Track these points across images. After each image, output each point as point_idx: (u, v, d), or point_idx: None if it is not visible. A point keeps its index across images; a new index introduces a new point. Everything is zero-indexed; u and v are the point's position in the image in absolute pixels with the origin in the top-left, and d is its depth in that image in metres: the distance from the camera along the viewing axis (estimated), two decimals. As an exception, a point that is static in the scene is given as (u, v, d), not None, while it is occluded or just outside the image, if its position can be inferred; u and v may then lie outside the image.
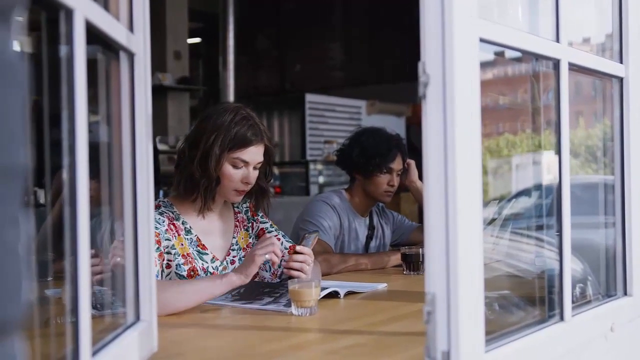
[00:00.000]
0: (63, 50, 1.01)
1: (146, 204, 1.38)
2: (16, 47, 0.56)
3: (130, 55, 1.34)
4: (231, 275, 1.99)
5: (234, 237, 2.35)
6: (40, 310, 1.29)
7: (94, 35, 1.11)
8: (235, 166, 2.19)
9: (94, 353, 1.09)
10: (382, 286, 2.36)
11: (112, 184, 1.37)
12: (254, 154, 2.21)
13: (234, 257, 2.32)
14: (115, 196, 1.38)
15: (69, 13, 0.99)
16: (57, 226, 1.18)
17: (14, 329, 0.55)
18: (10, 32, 0.54)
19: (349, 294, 2.19)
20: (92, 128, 1.10)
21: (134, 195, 1.36)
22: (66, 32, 1.00)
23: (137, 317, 1.37)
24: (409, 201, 6.43)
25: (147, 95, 1.38)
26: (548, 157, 1.85)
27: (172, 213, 2.22)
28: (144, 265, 1.38)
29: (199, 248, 2.23)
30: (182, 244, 2.18)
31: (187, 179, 2.20)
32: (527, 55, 1.59)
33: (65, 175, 1.01)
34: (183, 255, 2.17)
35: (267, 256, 1.98)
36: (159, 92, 7.16)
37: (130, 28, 1.34)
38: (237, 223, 2.38)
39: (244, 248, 2.36)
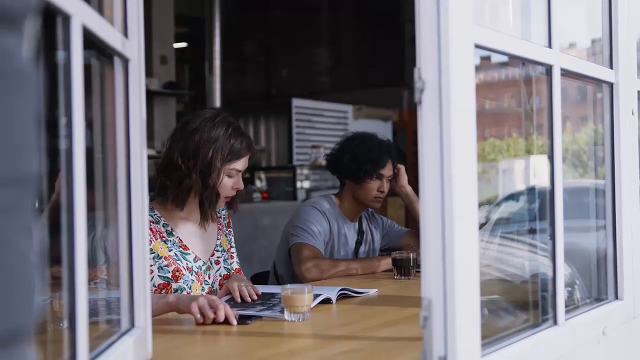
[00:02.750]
0: (60, 55, 1.01)
1: (140, 210, 1.38)
2: (28, 54, 0.56)
3: (125, 61, 1.33)
4: (172, 300, 1.93)
5: (218, 239, 2.42)
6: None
7: (89, 41, 1.11)
8: (229, 176, 2.28)
9: (91, 360, 1.08)
10: (373, 291, 2.36)
11: (106, 190, 1.37)
12: (245, 162, 2.32)
13: (218, 257, 2.39)
14: (108, 202, 1.37)
15: (67, 19, 0.99)
16: (48, 231, 1.18)
17: (27, 336, 0.54)
18: (23, 39, 0.54)
19: (342, 297, 2.19)
20: (86, 133, 1.10)
21: (129, 202, 1.36)
22: (63, 37, 0.99)
23: (132, 324, 1.36)
24: (395, 206, 6.44)
25: (141, 100, 1.38)
26: (535, 162, 1.87)
27: (152, 216, 2.25)
28: (139, 272, 1.37)
29: (181, 249, 2.27)
30: (161, 247, 2.23)
31: (185, 192, 2.25)
32: (514, 60, 1.60)
33: (62, 181, 1.00)
34: (165, 258, 2.22)
35: (197, 316, 1.83)
36: (145, 97, 7.13)
37: (125, 34, 1.34)
38: (220, 226, 2.46)
39: (227, 250, 2.44)
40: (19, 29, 0.54)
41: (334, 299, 2.14)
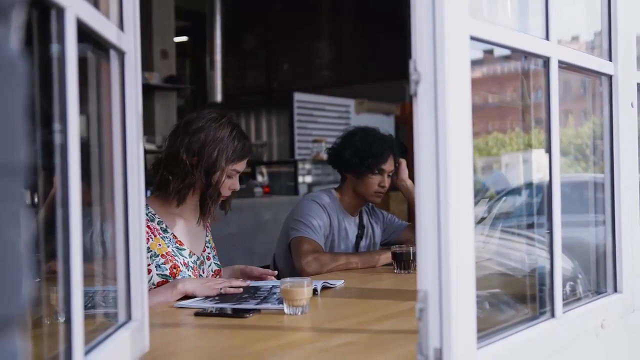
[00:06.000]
0: (54, 48, 1.01)
1: (137, 204, 1.38)
2: (16, 44, 0.56)
3: (121, 54, 1.33)
4: (180, 285, 2.11)
5: (207, 236, 2.48)
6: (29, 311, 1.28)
7: (84, 34, 1.10)
8: (229, 176, 2.32)
9: (86, 352, 1.09)
10: (340, 283, 2.39)
11: (103, 184, 1.37)
12: (245, 164, 2.38)
13: (208, 253, 2.45)
14: (105, 197, 1.37)
15: (60, 11, 0.98)
16: (45, 226, 1.18)
17: (15, 325, 0.55)
18: (10, 30, 0.54)
19: (325, 288, 2.25)
20: (82, 128, 1.10)
21: (125, 195, 1.36)
22: (57, 30, 0.99)
23: (129, 317, 1.36)
24: (397, 200, 6.44)
25: (137, 94, 1.38)
26: (537, 156, 1.86)
27: (146, 214, 2.26)
28: (135, 265, 1.37)
29: (177, 245, 2.31)
30: (159, 245, 2.26)
31: (187, 187, 2.28)
32: (517, 53, 1.60)
33: (57, 175, 1.00)
34: (162, 255, 2.25)
35: (221, 290, 2.13)
36: (146, 92, 7.11)
37: (121, 26, 1.34)
38: (208, 225, 2.50)
39: (213, 247, 2.50)
40: (6, 20, 0.54)
41: (318, 290, 2.18)
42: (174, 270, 2.24)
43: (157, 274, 2.22)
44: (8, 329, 0.54)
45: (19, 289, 0.55)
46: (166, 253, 2.25)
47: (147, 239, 2.21)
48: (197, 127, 2.28)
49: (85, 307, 1.14)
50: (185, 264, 2.28)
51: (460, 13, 1.19)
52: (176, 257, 2.27)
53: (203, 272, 2.37)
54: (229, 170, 2.30)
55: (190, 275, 2.27)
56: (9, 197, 0.54)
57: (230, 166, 2.30)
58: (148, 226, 2.24)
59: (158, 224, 2.29)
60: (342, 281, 2.42)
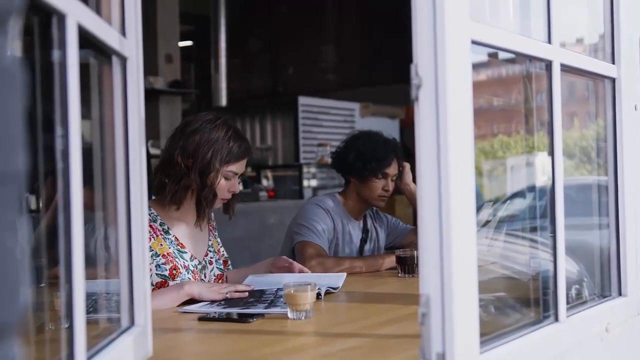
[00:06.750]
0: (55, 54, 1.01)
1: (140, 209, 1.38)
2: (13, 52, 0.56)
3: (123, 60, 1.34)
4: (187, 287, 2.11)
5: (210, 240, 2.46)
6: (32, 316, 1.28)
7: (86, 40, 1.11)
8: (226, 178, 2.31)
9: (89, 358, 1.09)
10: (343, 277, 2.40)
11: (105, 189, 1.37)
12: (242, 165, 2.35)
13: (211, 258, 2.44)
14: (108, 202, 1.38)
15: (62, 18, 0.99)
16: (50, 232, 1.18)
17: (12, 332, 0.55)
18: (7, 38, 0.54)
19: (328, 293, 2.23)
20: (84, 133, 1.10)
21: (128, 200, 1.36)
22: (58, 36, 1.00)
23: (132, 322, 1.36)
24: (402, 204, 6.43)
25: (139, 99, 1.38)
26: (542, 159, 1.86)
27: (149, 215, 2.27)
28: (138, 269, 1.37)
29: (178, 247, 2.31)
30: (161, 245, 2.27)
31: (183, 190, 2.28)
32: (520, 57, 1.59)
33: (59, 181, 1.00)
34: (163, 255, 2.25)
35: (227, 295, 2.13)
36: (151, 96, 7.12)
37: (123, 32, 1.34)
38: (211, 228, 2.50)
39: (217, 251, 2.49)
40: (3, 27, 0.54)
41: (322, 294, 2.17)
42: (174, 272, 2.24)
43: (156, 274, 2.22)
44: (6, 335, 0.54)
45: (16, 296, 0.55)
46: (167, 254, 2.26)
47: (149, 238, 2.22)
48: (193, 129, 2.28)
49: (88, 312, 1.14)
50: (185, 266, 2.29)
51: (461, 16, 1.19)
52: (177, 259, 2.27)
53: (205, 277, 2.37)
54: (224, 172, 2.29)
55: (190, 278, 2.27)
56: (6, 204, 0.54)
57: (226, 167, 2.29)
58: (150, 226, 2.24)
59: (160, 225, 2.30)
60: (344, 275, 2.43)
